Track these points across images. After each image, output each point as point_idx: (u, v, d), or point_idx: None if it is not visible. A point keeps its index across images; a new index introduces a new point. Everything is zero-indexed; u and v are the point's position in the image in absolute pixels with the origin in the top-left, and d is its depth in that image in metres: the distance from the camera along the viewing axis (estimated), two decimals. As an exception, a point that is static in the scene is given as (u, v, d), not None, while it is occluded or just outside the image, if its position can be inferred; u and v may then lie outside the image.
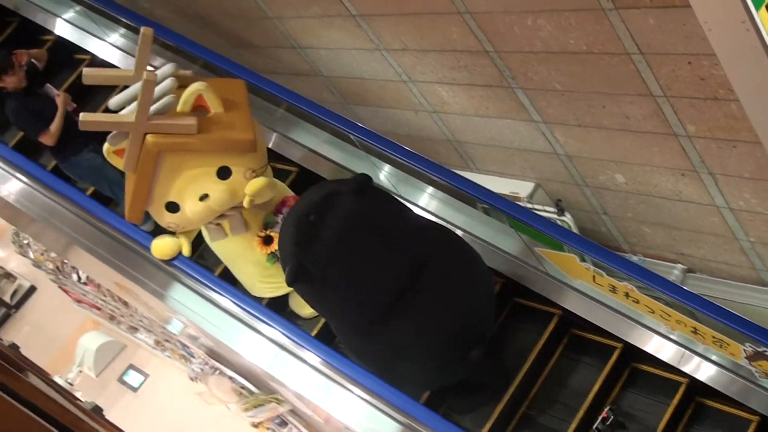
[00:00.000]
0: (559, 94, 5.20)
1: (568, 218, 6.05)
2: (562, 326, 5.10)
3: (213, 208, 4.62)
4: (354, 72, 6.45)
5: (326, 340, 5.05)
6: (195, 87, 4.53)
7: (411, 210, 4.56)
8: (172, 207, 4.61)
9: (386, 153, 5.12)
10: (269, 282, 5.13)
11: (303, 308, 5.32)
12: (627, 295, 4.39)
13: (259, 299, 5.25)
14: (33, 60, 6.01)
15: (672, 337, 4.59)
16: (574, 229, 6.01)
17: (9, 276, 13.09)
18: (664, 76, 4.53)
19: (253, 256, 4.97)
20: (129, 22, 5.98)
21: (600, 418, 4.57)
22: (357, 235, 4.10)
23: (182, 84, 4.57)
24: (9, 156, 5.75)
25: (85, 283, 10.00)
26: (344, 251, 4.06)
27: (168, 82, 4.52)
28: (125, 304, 9.38)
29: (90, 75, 4.74)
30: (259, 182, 4.61)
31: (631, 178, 5.50)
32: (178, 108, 4.52)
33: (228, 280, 5.32)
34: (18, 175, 5.74)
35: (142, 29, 4.58)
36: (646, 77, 4.59)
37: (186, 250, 4.98)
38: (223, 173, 4.57)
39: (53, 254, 9.84)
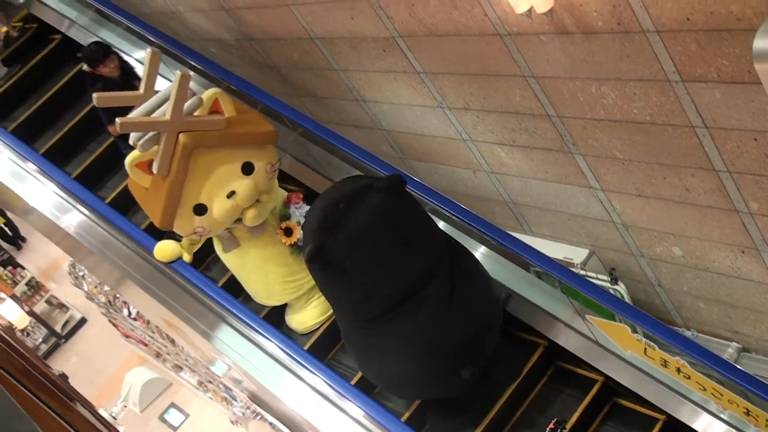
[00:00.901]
0: (620, 163, 5.17)
1: (621, 288, 5.97)
2: (548, 357, 5.11)
3: (240, 205, 4.77)
4: (415, 128, 6.50)
5: (319, 354, 5.23)
6: (212, 91, 4.79)
7: (433, 220, 4.67)
8: (200, 209, 4.74)
9: (442, 210, 5.12)
10: (292, 282, 5.29)
11: (299, 324, 5.53)
12: (678, 370, 4.30)
13: (297, 340, 5.32)
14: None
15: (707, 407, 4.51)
16: (627, 300, 5.92)
17: (62, 306, 13.33)
18: (728, 151, 4.48)
19: (278, 257, 5.18)
20: (195, 64, 6.10)
21: (548, 429, 4.65)
22: (380, 232, 4.25)
23: None
24: (71, 187, 5.86)
25: (134, 319, 10.12)
26: (365, 243, 4.22)
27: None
28: (172, 342, 9.46)
29: (102, 98, 4.99)
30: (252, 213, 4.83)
31: (688, 252, 5.42)
32: (196, 113, 4.73)
33: (234, 293, 5.41)
34: (78, 206, 5.84)
35: (150, 50, 4.86)
36: (710, 151, 4.55)
37: (187, 257, 5.21)
38: (247, 168, 4.77)
39: (107, 287, 9.98)
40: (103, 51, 6.01)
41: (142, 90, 4.85)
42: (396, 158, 6.99)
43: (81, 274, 10.83)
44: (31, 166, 6.02)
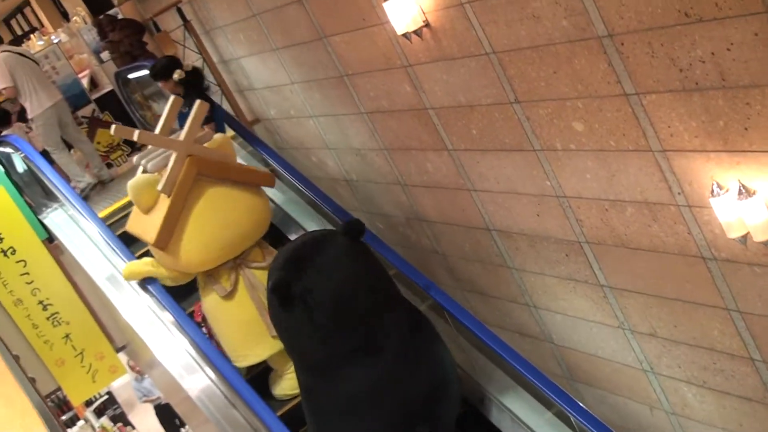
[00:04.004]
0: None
1: None
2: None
3: None
4: (588, 347, 6.13)
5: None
6: (222, 135, 5.53)
7: (393, 280, 4.91)
8: None
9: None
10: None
11: (278, 390, 5.69)
12: None
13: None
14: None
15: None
16: None
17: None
18: None
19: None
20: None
21: None
22: (342, 272, 4.50)
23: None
24: (203, 346, 5.57)
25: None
26: (328, 282, 4.44)
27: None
28: None
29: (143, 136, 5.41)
30: None
31: None
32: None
33: None
34: (206, 369, 5.60)
35: (173, 97, 5.47)
36: None
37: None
38: None
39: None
40: (166, 69, 6.57)
41: (157, 130, 5.38)
42: (561, 378, 6.60)
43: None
44: (166, 317, 5.83)
